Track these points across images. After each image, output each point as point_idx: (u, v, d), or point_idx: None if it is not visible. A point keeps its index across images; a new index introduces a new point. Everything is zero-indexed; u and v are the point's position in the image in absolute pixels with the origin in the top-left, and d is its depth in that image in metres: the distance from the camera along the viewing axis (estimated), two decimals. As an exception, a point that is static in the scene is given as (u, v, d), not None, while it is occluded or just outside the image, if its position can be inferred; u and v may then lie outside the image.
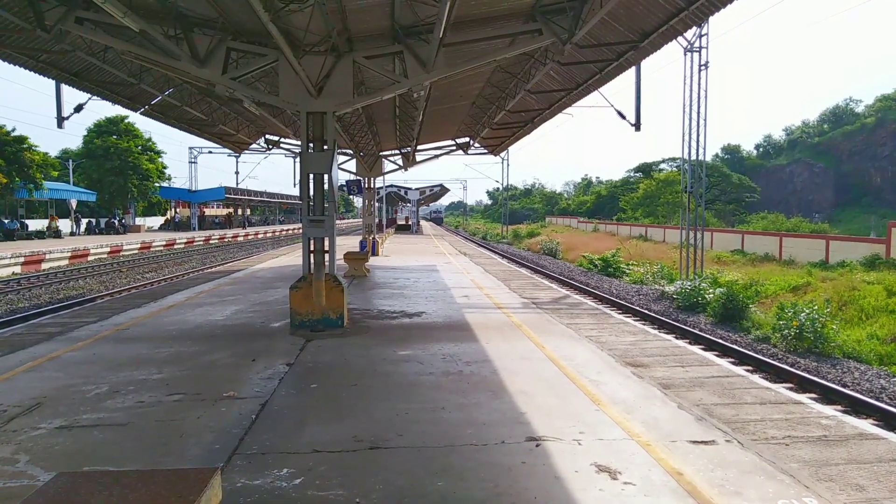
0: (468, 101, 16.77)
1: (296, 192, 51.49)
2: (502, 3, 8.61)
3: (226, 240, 43.79)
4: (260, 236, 51.56)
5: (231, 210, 63.32)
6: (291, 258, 21.96)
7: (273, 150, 24.01)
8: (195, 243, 37.97)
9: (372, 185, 24.71)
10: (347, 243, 27.23)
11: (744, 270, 22.29)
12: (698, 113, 20.12)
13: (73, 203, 40.91)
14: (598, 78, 12.19)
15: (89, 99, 13.87)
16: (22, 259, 22.31)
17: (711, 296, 15.56)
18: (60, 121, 16.74)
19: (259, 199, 62.14)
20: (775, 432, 4.99)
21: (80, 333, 8.49)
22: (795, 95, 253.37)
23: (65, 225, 38.94)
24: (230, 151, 27.56)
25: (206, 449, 4.35)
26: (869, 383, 9.63)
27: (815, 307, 12.16)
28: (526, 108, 16.29)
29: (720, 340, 12.06)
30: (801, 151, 71.39)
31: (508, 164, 57.30)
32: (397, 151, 25.21)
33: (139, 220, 50.03)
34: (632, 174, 74.05)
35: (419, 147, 23.67)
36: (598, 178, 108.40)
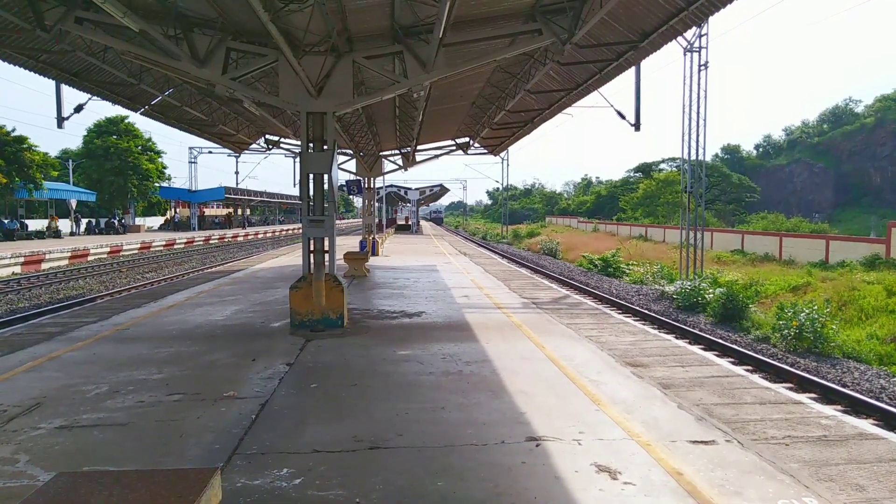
0: (468, 101, 16.77)
1: (296, 192, 51.53)
2: (502, 3, 8.61)
3: (226, 240, 43.79)
4: (260, 236, 51.56)
5: (231, 210, 63.32)
6: (291, 258, 21.96)
7: (273, 150, 24.02)
8: (195, 243, 37.97)
9: (372, 185, 24.71)
10: (347, 243, 27.22)
11: (744, 270, 22.30)
12: (698, 113, 20.13)
13: (73, 203, 40.91)
14: (597, 78, 12.19)
15: (89, 99, 13.88)
16: (22, 259, 22.31)
17: (711, 296, 15.56)
18: (60, 121, 16.74)
19: (259, 199, 62.14)
20: (775, 432, 4.99)
21: (80, 333, 8.49)
22: (795, 95, 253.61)
23: (65, 225, 38.95)
24: (230, 151, 27.56)
25: (206, 449, 4.35)
26: (869, 383, 9.63)
27: (815, 307, 12.16)
28: (526, 108, 16.29)
29: (720, 340, 12.06)
30: (800, 151, 71.40)
31: (508, 164, 57.39)
32: (397, 151, 25.21)
33: (139, 220, 50.06)
34: (632, 174, 74.10)
35: (419, 147, 23.67)
36: (598, 178, 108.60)
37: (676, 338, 10.63)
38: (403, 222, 56.54)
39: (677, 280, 19.50)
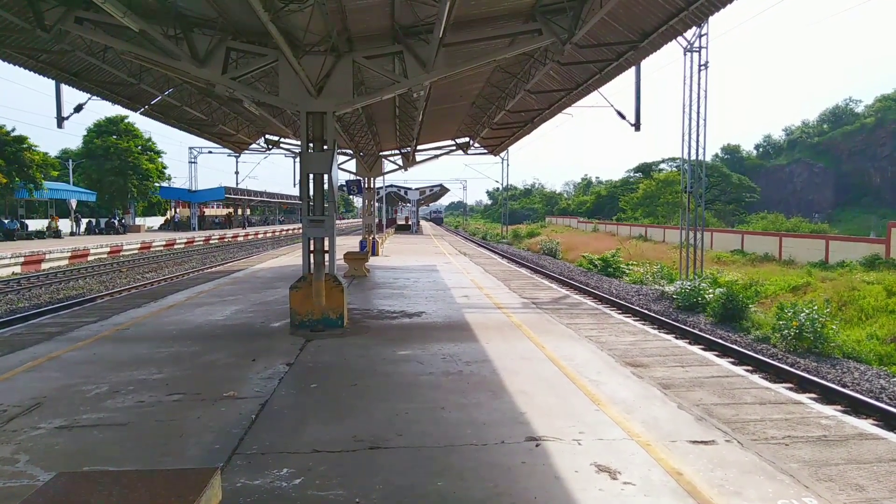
0: (468, 101, 16.77)
1: (296, 192, 51.54)
2: (502, 3, 8.61)
3: (226, 240, 43.79)
4: (260, 236, 51.57)
5: (231, 210, 63.33)
6: (291, 258, 21.96)
7: (273, 150, 24.02)
8: (195, 243, 37.97)
9: (372, 185, 24.71)
10: (347, 243, 27.23)
11: (743, 270, 22.30)
12: (698, 113, 20.13)
13: (73, 203, 40.92)
14: (597, 78, 12.19)
15: (89, 99, 13.87)
16: (22, 259, 22.31)
17: (711, 296, 15.57)
18: (60, 121, 16.75)
19: (259, 199, 62.16)
20: (775, 432, 4.99)
21: (80, 333, 8.49)
22: (795, 95, 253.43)
23: (65, 225, 38.96)
24: (230, 151, 27.55)
25: (206, 449, 4.35)
26: (868, 383, 9.63)
27: (815, 307, 12.16)
28: (526, 108, 16.29)
29: (720, 340, 12.07)
30: (800, 151, 71.37)
31: (508, 164, 57.40)
32: (397, 151, 25.21)
33: (139, 220, 50.06)
34: (631, 174, 74.08)
35: (419, 147, 23.67)
36: (597, 178, 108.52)
37: (676, 338, 10.63)
38: (403, 222, 56.56)
39: (677, 280, 19.51)
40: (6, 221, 33.46)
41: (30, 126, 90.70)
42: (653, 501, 3.59)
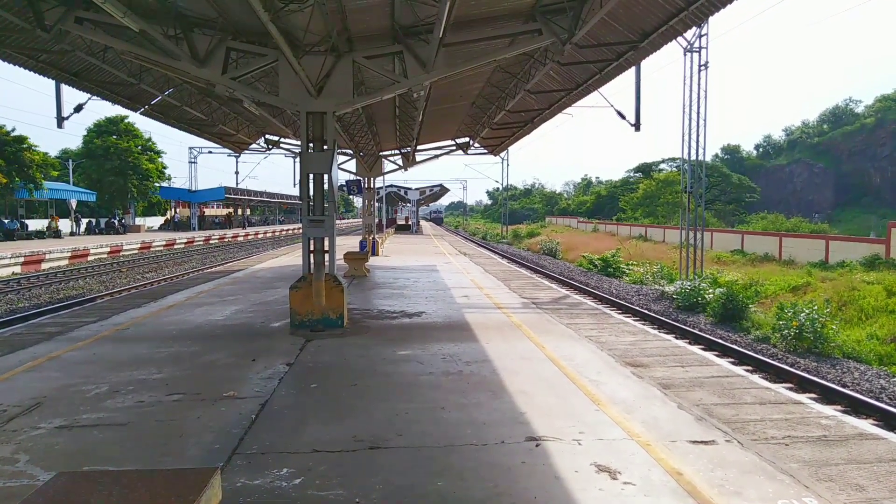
0: (468, 101, 16.78)
1: (296, 192, 51.55)
2: (502, 3, 8.61)
3: (226, 240, 43.79)
4: (260, 236, 51.57)
5: (231, 210, 63.34)
6: (291, 258, 21.96)
7: (273, 150, 24.02)
8: (195, 243, 37.97)
9: (372, 185, 24.71)
10: (347, 243, 27.23)
11: (743, 270, 22.30)
12: (698, 113, 20.13)
13: (73, 203, 40.92)
14: (597, 78, 12.19)
15: (89, 99, 13.87)
16: (22, 259, 22.31)
17: (711, 296, 15.56)
18: (60, 121, 16.75)
19: (259, 199, 62.16)
20: (775, 432, 4.99)
21: (80, 333, 8.49)
22: (795, 95, 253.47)
23: (65, 225, 38.96)
24: (230, 151, 27.56)
25: (206, 449, 4.35)
26: (869, 383, 9.63)
27: (815, 307, 12.16)
28: (526, 108, 16.29)
29: (720, 340, 12.06)
30: (800, 151, 71.37)
31: (508, 164, 57.41)
32: (397, 151, 25.22)
33: (139, 220, 50.06)
34: (631, 174, 74.07)
35: (419, 147, 23.67)
36: (597, 178, 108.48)
37: (676, 338, 10.63)
38: (403, 222, 56.56)
39: (677, 280, 19.50)
40: (6, 221, 33.46)
41: (30, 126, 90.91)
42: (653, 501, 3.59)
